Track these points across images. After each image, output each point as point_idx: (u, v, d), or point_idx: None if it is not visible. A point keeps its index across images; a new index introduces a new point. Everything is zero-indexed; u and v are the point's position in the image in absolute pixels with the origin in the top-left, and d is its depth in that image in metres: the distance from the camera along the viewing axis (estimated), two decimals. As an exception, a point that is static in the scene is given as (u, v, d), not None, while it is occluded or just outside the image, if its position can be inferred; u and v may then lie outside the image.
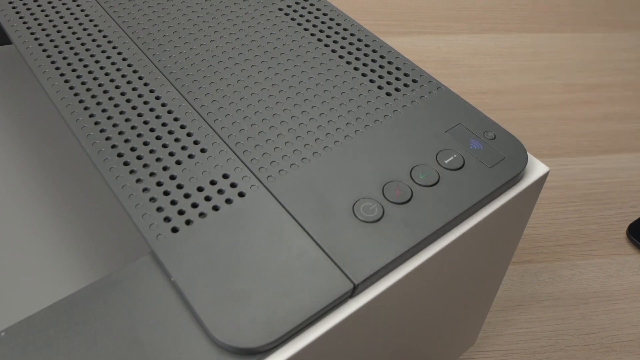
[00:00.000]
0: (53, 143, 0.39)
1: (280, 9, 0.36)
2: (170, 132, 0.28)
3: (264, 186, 0.26)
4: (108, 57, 0.32)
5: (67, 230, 0.34)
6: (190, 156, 0.27)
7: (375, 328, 0.26)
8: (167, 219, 0.25)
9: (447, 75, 0.68)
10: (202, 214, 0.25)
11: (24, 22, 0.34)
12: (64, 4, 0.35)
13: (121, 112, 0.29)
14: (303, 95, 0.30)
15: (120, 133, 0.28)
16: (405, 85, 0.32)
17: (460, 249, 0.27)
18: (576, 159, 0.59)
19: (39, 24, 0.34)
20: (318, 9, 0.36)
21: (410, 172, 0.27)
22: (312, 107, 0.30)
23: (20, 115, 0.41)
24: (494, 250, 0.31)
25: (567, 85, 0.68)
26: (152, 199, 0.25)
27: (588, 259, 0.51)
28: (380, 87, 0.31)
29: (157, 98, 0.30)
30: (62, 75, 0.31)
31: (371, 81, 0.32)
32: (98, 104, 0.29)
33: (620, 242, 0.52)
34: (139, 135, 0.28)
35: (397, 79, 0.32)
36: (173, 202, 0.25)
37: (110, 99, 0.29)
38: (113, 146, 0.27)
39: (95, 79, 0.31)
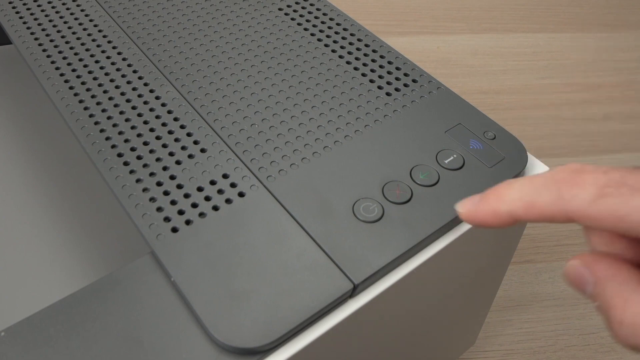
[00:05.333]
0: (53, 143, 0.39)
1: (280, 9, 0.36)
2: (170, 132, 0.28)
3: (264, 186, 0.26)
4: (108, 57, 0.32)
5: (67, 230, 0.34)
6: (190, 156, 0.27)
7: (375, 328, 0.26)
8: (167, 219, 0.25)
9: (447, 75, 0.68)
10: (202, 214, 0.25)
11: (24, 22, 0.34)
12: (63, 4, 0.35)
13: (121, 112, 0.29)
14: (303, 95, 0.30)
15: (120, 133, 0.28)
16: (405, 85, 0.32)
17: (460, 249, 0.27)
18: (576, 159, 0.59)
19: (39, 24, 0.34)
20: (318, 9, 0.36)
21: (410, 172, 0.27)
22: (312, 107, 0.30)
23: (21, 115, 0.41)
24: (494, 250, 0.31)
25: (567, 85, 0.68)
26: (152, 199, 0.25)
27: (588, 259, 0.51)
28: (380, 87, 0.31)
29: (157, 98, 0.30)
30: (62, 75, 0.31)
31: (371, 81, 0.32)
32: (98, 104, 0.29)
33: (620, 242, 0.52)
34: (139, 135, 0.28)
35: (397, 79, 0.32)
36: (173, 202, 0.25)
37: (110, 99, 0.29)
38: (113, 146, 0.27)
39: (95, 79, 0.31)
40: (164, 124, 0.28)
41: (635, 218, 0.18)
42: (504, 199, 0.22)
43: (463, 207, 0.24)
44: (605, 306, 0.19)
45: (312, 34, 0.34)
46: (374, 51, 0.34)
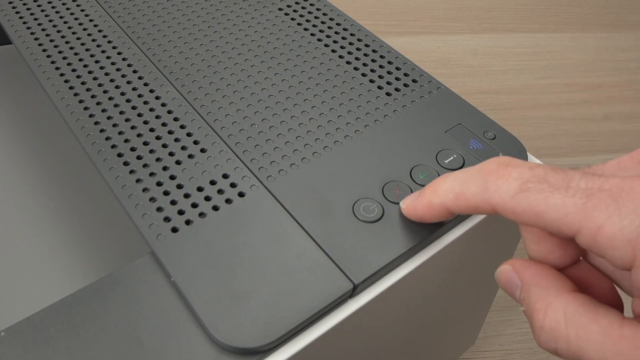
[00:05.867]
0: (53, 143, 0.39)
1: (280, 9, 0.36)
2: (170, 132, 0.28)
3: (264, 186, 0.26)
4: (108, 57, 0.32)
5: (67, 230, 0.34)
6: (190, 156, 0.27)
7: (375, 328, 0.26)
8: (167, 219, 0.25)
9: (447, 75, 0.68)
10: (202, 214, 0.25)
11: (24, 22, 0.34)
12: (63, 4, 0.35)
13: (121, 112, 0.29)
14: (303, 95, 0.30)
15: (120, 133, 0.28)
16: (405, 85, 0.32)
17: (461, 249, 0.27)
18: (576, 159, 0.59)
19: (39, 24, 0.34)
20: (318, 9, 0.36)
21: (410, 172, 0.27)
22: (312, 107, 0.30)
23: (20, 115, 0.41)
24: (494, 250, 0.31)
25: (567, 85, 0.68)
26: (152, 199, 0.25)
27: (588, 259, 0.51)
28: (380, 87, 0.31)
29: (157, 98, 0.30)
30: (62, 75, 0.31)
31: (371, 81, 0.32)
32: (98, 104, 0.29)
33: (620, 242, 0.52)
34: (139, 135, 0.28)
35: (397, 79, 0.32)
36: (173, 202, 0.25)
37: (110, 99, 0.29)
38: (113, 146, 0.27)
39: (95, 79, 0.31)
40: (164, 124, 0.28)
41: (552, 216, 0.18)
42: (438, 191, 0.22)
43: (404, 203, 0.25)
44: (529, 311, 0.20)
45: (312, 34, 0.34)
46: (374, 51, 0.34)
